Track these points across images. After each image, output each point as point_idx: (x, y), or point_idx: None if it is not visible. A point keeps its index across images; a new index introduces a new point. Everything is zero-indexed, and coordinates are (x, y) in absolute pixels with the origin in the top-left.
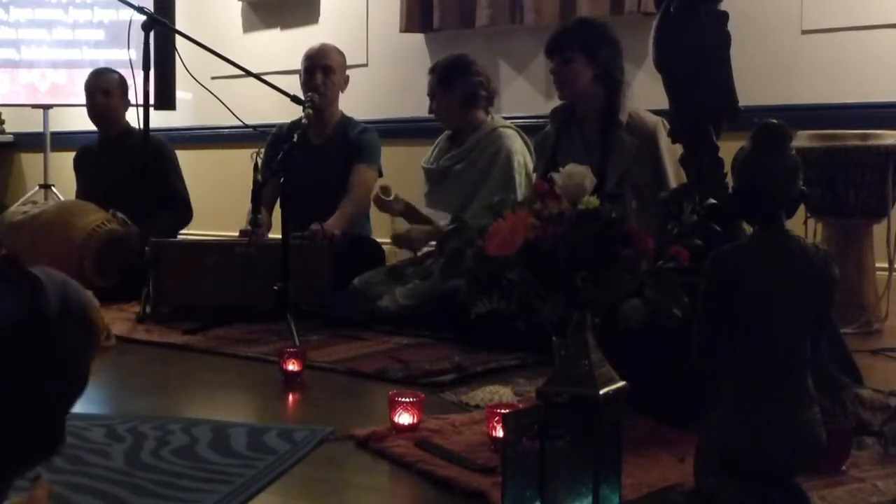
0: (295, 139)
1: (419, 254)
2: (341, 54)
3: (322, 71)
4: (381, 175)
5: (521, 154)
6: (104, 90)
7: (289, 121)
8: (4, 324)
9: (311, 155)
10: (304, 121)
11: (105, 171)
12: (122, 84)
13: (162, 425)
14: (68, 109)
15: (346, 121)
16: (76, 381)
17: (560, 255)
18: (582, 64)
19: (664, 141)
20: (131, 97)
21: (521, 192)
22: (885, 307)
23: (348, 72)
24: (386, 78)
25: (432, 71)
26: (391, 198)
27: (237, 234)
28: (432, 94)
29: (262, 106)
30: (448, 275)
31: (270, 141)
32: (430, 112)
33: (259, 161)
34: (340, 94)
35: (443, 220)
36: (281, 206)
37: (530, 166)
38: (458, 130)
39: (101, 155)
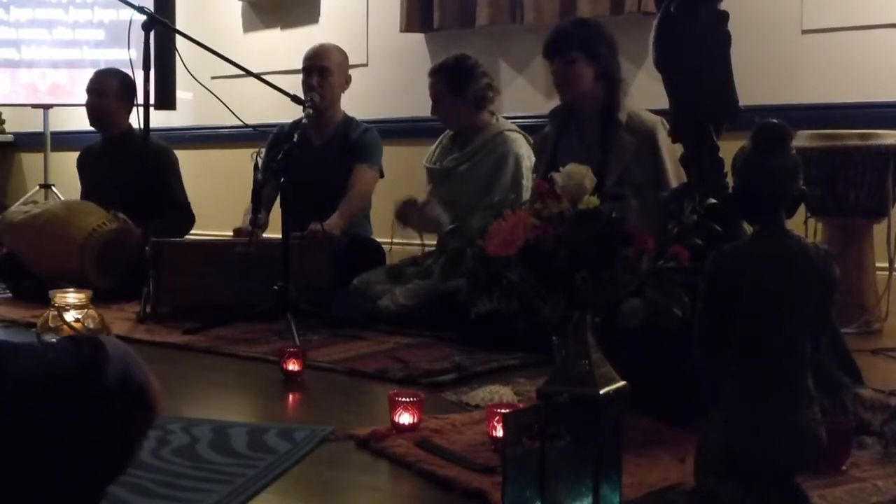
0: (295, 139)
1: (422, 249)
2: (342, 53)
3: (318, 72)
4: (382, 176)
5: (528, 158)
6: (98, 91)
7: (290, 121)
8: (57, 381)
9: (313, 155)
10: (304, 121)
11: (107, 171)
12: (122, 86)
13: (162, 425)
14: (68, 109)
15: (348, 121)
16: (118, 459)
17: (560, 255)
18: (584, 63)
19: (664, 140)
20: (124, 98)
21: (527, 196)
22: (885, 307)
23: (349, 71)
24: (386, 78)
25: (435, 74)
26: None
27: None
28: (436, 98)
29: (262, 106)
30: (448, 275)
31: (271, 142)
32: (434, 114)
33: (259, 161)
34: (342, 94)
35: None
36: (281, 206)
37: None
38: (462, 131)
39: (102, 155)
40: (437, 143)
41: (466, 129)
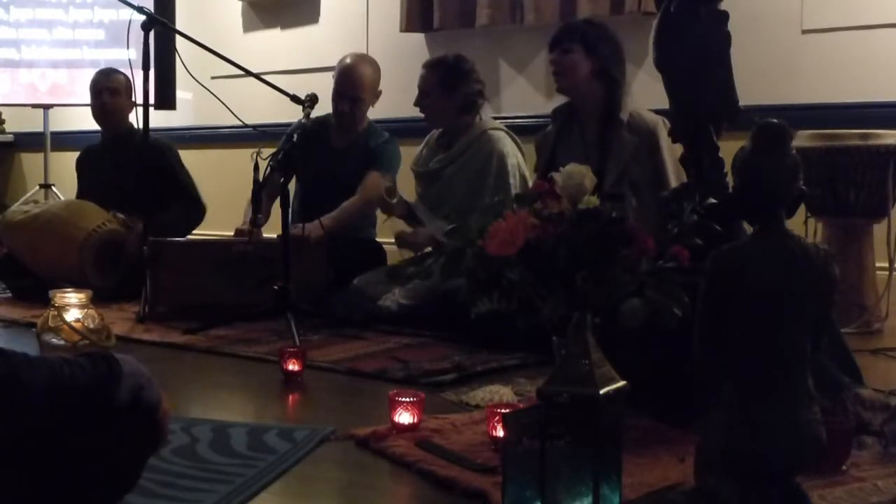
0: (295, 139)
1: (419, 254)
2: (374, 72)
3: (349, 100)
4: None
5: (514, 156)
6: (112, 90)
7: (293, 120)
8: (71, 396)
9: (332, 156)
10: (303, 121)
11: (108, 170)
12: (129, 84)
13: None
14: (68, 109)
15: (372, 129)
16: (126, 476)
17: (560, 255)
18: (581, 56)
19: (665, 140)
20: (132, 97)
21: (515, 193)
22: (885, 307)
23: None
24: (386, 78)
25: (431, 67)
26: (394, 200)
27: (232, 233)
28: (424, 90)
29: (262, 106)
30: (448, 275)
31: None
32: (417, 105)
33: (259, 161)
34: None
35: (432, 223)
36: (281, 207)
37: (524, 167)
38: (447, 131)
39: (104, 155)
40: (423, 144)
41: (450, 129)
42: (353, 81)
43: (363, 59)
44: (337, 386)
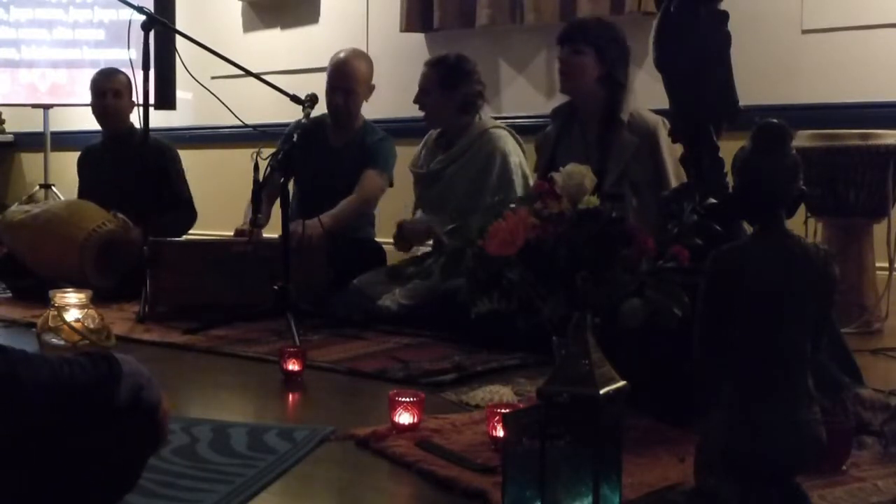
0: (295, 139)
1: (416, 252)
2: (367, 65)
3: (343, 92)
4: (391, 185)
5: (516, 154)
6: (115, 91)
7: (292, 120)
8: (70, 396)
9: (329, 156)
10: (303, 121)
11: (109, 170)
12: (130, 84)
13: None
14: (68, 109)
15: (368, 127)
16: (125, 476)
17: (560, 255)
18: (591, 59)
19: (665, 140)
20: (133, 97)
21: (519, 191)
22: (885, 307)
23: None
24: (386, 78)
25: (432, 65)
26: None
27: (232, 233)
28: (424, 88)
29: (262, 106)
30: (448, 275)
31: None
32: (416, 102)
33: (259, 161)
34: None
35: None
36: (281, 206)
37: (525, 165)
38: (446, 131)
39: (105, 154)
40: (421, 145)
41: (449, 129)
42: (346, 74)
43: (356, 53)
44: (337, 386)
